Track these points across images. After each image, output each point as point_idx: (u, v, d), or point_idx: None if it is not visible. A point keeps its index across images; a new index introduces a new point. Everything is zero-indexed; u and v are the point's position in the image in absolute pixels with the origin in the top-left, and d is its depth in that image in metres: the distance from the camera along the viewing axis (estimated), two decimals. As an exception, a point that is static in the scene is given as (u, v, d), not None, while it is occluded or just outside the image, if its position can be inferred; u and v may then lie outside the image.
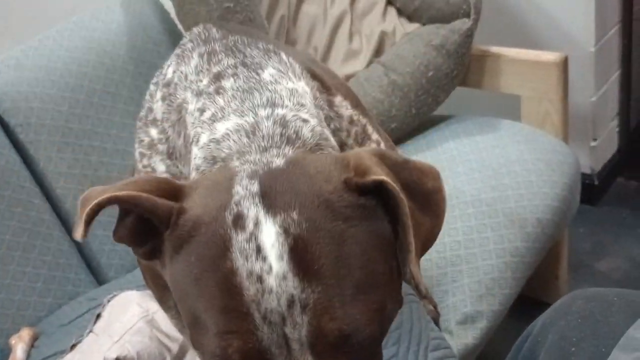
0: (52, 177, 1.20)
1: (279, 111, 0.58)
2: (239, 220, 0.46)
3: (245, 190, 0.48)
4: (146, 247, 0.52)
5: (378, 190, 0.48)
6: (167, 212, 0.49)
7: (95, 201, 0.48)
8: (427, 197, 0.50)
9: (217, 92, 0.61)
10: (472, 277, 1.09)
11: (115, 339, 0.94)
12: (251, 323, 0.44)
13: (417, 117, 1.36)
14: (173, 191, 0.51)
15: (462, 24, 1.33)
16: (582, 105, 1.70)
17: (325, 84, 0.69)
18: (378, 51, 1.39)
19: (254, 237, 0.46)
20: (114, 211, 1.41)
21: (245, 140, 0.56)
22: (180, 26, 1.34)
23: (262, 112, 0.58)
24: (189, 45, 0.69)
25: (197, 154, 0.59)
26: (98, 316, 1.04)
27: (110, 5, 1.33)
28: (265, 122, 0.57)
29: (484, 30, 1.44)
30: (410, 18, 1.41)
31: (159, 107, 0.68)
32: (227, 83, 0.62)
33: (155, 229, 0.51)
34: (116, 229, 0.52)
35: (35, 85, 1.20)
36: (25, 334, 1.08)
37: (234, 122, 0.58)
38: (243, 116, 0.58)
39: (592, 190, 1.80)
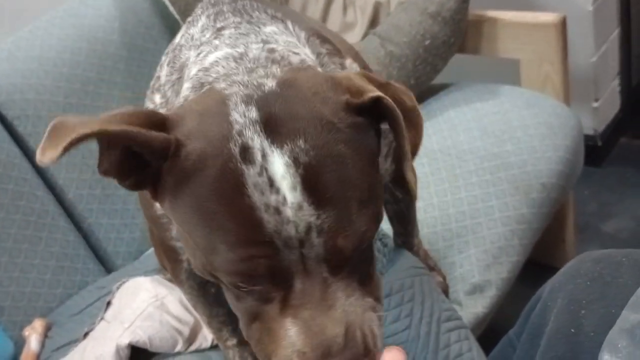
0: (53, 168, 1.20)
1: (271, 45, 0.59)
2: (246, 153, 0.47)
3: (244, 118, 0.49)
4: (132, 179, 0.52)
5: (370, 108, 0.51)
6: (164, 145, 0.49)
7: (83, 131, 0.46)
8: (408, 114, 0.54)
9: (216, 37, 0.62)
10: (479, 247, 1.09)
11: (127, 325, 0.95)
12: (274, 249, 0.48)
13: (416, 87, 1.34)
14: (160, 122, 0.50)
15: (458, -11, 1.30)
16: (582, 66, 1.68)
17: (335, 47, 0.69)
18: (373, 22, 1.37)
19: (264, 169, 0.47)
20: (119, 198, 1.40)
21: (233, 64, 0.56)
22: (171, 8, 1.32)
23: (254, 46, 0.59)
24: (199, 10, 0.70)
25: (185, 87, 0.60)
26: (108, 304, 1.04)
27: (99, -10, 1.32)
28: (254, 51, 0.58)
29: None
30: (404, -14, 1.39)
31: (164, 73, 0.68)
32: (227, 32, 0.63)
33: (143, 160, 0.51)
34: (100, 162, 0.51)
35: (29, 76, 1.19)
36: (38, 325, 1.09)
37: (224, 51, 0.58)
38: (233, 47, 0.59)
39: (595, 151, 1.79)
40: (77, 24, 1.26)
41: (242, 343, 0.86)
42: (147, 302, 0.99)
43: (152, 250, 1.25)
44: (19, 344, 1.08)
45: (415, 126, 0.54)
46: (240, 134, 0.48)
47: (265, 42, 0.59)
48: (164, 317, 0.96)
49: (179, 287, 0.83)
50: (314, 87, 0.51)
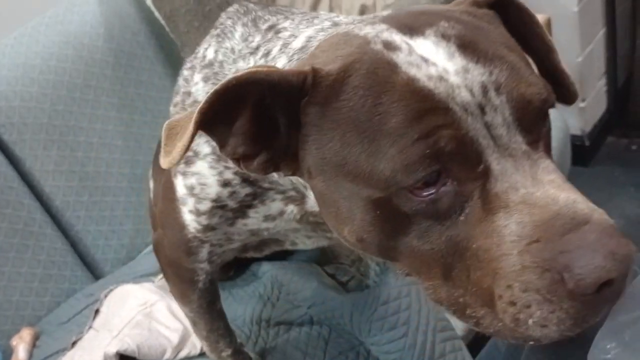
0: (39, 175, 1.19)
1: (349, 17, 0.57)
2: (389, 45, 0.44)
3: (375, 30, 0.46)
4: (263, 155, 0.48)
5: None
6: (301, 78, 0.45)
7: (219, 87, 0.43)
8: None
9: (278, 32, 0.59)
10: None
11: (115, 333, 0.94)
12: (454, 115, 0.41)
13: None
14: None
15: (443, -8, 1.31)
16: (568, 67, 1.67)
17: None
18: (360, 26, 1.38)
19: (413, 52, 0.44)
20: (106, 204, 1.38)
21: (332, 30, 0.53)
22: (157, 13, 1.31)
23: (336, 19, 0.57)
24: (229, 22, 0.66)
25: None
26: (97, 312, 1.04)
27: (84, -3, 1.31)
28: (341, 19, 0.55)
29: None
30: (390, -11, 1.39)
31: (200, 89, 0.65)
32: (286, 24, 0.60)
33: (271, 129, 0.47)
34: (226, 143, 0.47)
35: (14, 84, 1.18)
36: (26, 334, 1.08)
37: (311, 30, 0.55)
38: (317, 25, 0.56)
39: (583, 151, 1.80)
40: (63, 31, 1.26)
41: (236, 352, 0.86)
42: (135, 310, 0.98)
43: (140, 256, 1.25)
44: (7, 353, 1.07)
45: None
46: (376, 37, 0.45)
47: (339, 16, 0.58)
48: (152, 325, 0.96)
49: (185, 305, 0.81)
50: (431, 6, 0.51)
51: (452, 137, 0.41)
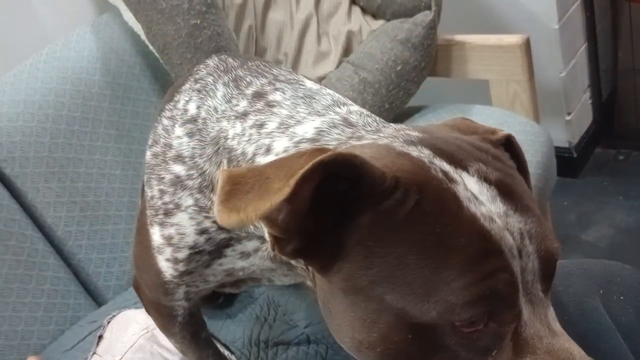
0: (41, 207, 1.23)
1: (352, 108, 0.58)
2: (448, 176, 0.47)
3: (422, 153, 0.48)
4: (303, 240, 0.46)
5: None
6: (381, 179, 0.45)
7: (323, 158, 0.41)
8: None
9: (270, 105, 0.59)
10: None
11: (118, 358, 0.97)
12: (507, 259, 0.45)
13: (391, 111, 1.39)
14: None
15: (425, 16, 1.36)
16: (552, 82, 1.74)
17: None
18: (347, 51, 1.42)
19: (466, 187, 0.46)
20: (107, 233, 1.40)
21: (349, 130, 0.54)
22: (151, 47, 1.36)
23: (340, 110, 0.57)
24: (209, 79, 0.65)
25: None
26: (100, 337, 1.07)
27: (81, 33, 1.36)
28: (351, 116, 0.56)
29: (450, 19, 1.47)
30: (375, 15, 1.44)
31: (184, 143, 0.64)
32: (276, 96, 0.60)
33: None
34: (282, 219, 0.44)
35: (15, 119, 1.22)
36: (31, 362, 1.10)
37: (319, 121, 0.55)
38: (324, 115, 0.56)
39: (572, 163, 1.84)
40: (61, 67, 1.30)
41: None
42: (137, 335, 1.01)
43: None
44: (13, 382, 1.09)
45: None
46: (431, 162, 0.47)
47: (341, 104, 0.58)
48: (154, 349, 0.98)
49: (170, 337, 0.83)
50: (452, 132, 0.54)
51: (507, 281, 0.44)
